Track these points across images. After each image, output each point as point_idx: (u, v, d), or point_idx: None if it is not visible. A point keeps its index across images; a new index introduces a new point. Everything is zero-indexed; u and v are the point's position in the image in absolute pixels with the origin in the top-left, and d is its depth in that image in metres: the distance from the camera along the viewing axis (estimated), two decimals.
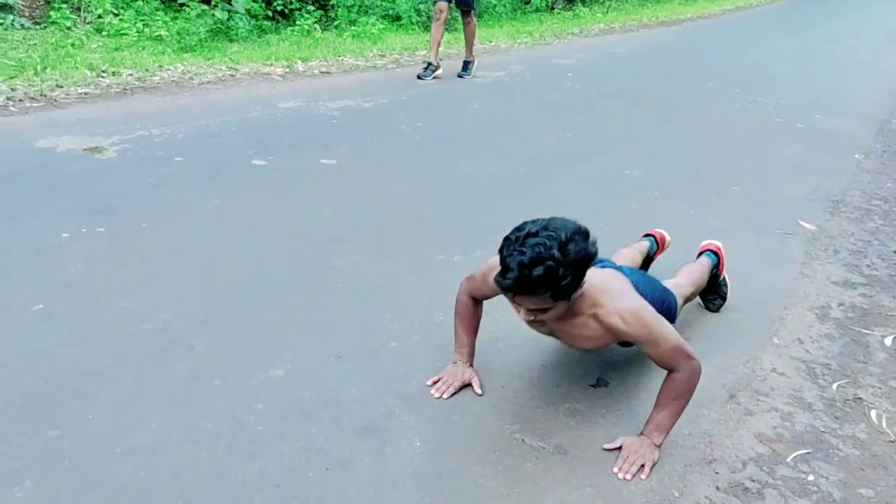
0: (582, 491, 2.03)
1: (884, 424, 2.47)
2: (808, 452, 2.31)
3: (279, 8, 9.37)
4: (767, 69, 9.56)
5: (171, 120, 4.95)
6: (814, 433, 2.41)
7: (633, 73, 8.68)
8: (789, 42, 12.18)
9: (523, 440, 2.21)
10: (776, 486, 2.14)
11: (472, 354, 2.49)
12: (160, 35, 7.52)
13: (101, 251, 3.04)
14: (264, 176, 4.14)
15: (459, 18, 8.48)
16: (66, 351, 2.39)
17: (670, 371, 2.17)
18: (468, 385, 2.41)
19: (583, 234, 1.93)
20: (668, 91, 7.69)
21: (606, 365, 2.65)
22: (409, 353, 2.59)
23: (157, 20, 7.90)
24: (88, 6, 8.09)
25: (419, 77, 7.28)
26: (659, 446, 2.18)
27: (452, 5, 7.49)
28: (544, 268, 1.81)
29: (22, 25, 7.74)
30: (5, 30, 7.19)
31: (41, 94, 5.16)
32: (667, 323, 2.17)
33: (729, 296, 3.16)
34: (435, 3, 7.34)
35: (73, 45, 6.76)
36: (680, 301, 2.72)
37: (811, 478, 2.19)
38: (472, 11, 7.47)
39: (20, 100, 4.99)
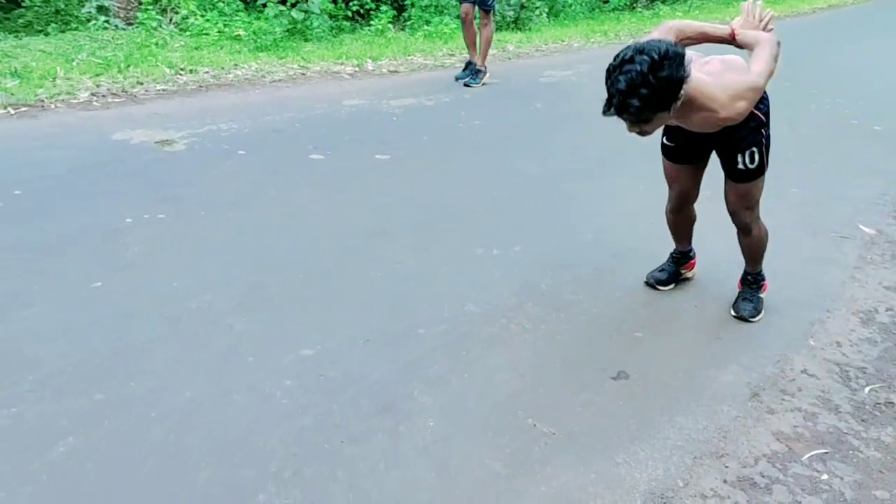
0: (586, 477, 2.09)
1: None
2: (826, 452, 2.30)
3: (355, 9, 9.62)
4: (850, 71, 9.21)
5: (239, 115, 5.19)
6: (836, 434, 2.39)
7: None
8: (879, 44, 11.67)
9: (535, 426, 2.28)
10: (786, 483, 2.15)
11: None
12: (239, 35, 7.85)
13: (160, 236, 3.26)
14: (320, 170, 4.31)
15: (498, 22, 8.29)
16: (117, 324, 2.59)
17: None
18: None
19: (673, 56, 2.14)
20: None
21: (629, 358, 2.68)
22: (435, 340, 2.69)
23: (237, 21, 8.23)
24: (175, 7, 8.52)
25: (461, 81, 6.93)
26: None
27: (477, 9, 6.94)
28: (637, 96, 2.11)
29: (116, 26, 8.23)
30: (96, 30, 7.65)
31: (122, 91, 5.50)
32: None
33: (767, 297, 3.13)
34: (460, 4, 6.90)
35: (156, 44, 7.14)
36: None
37: (825, 477, 2.19)
38: (492, 13, 7.01)
39: (103, 95, 5.33)
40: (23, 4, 8.54)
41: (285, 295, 2.91)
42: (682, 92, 2.23)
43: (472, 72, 6.98)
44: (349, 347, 2.59)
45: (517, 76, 7.73)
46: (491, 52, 9.07)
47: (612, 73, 2.19)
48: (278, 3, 8.39)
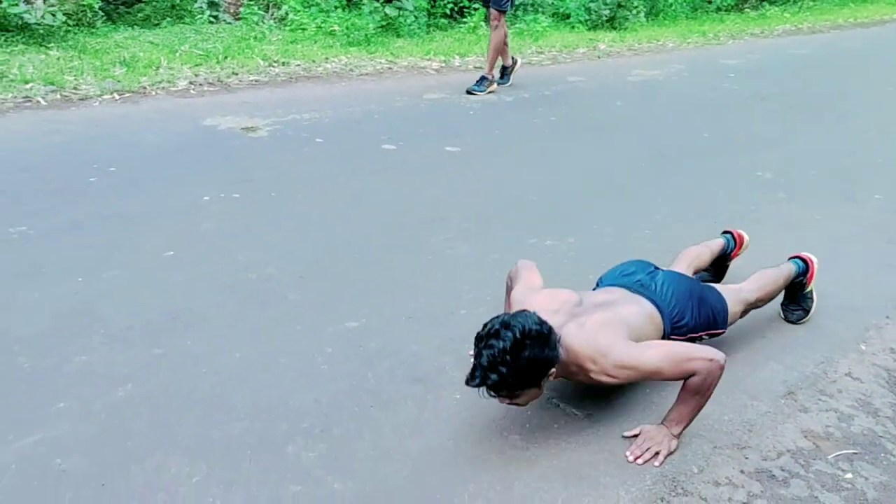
0: (599, 455, 2.16)
1: None
2: (855, 453, 2.27)
3: (450, 6, 9.79)
4: None
5: (322, 106, 5.44)
6: (869, 436, 2.35)
7: (804, 75, 8.26)
8: None
9: (558, 405, 2.36)
10: (805, 478, 2.14)
11: None
12: (334, 30, 8.16)
13: (232, 213, 3.51)
14: (390, 159, 4.49)
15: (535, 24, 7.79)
16: (182, 290, 2.83)
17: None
18: None
19: (538, 337, 1.99)
20: (836, 95, 7.26)
21: None
22: (475, 320, 2.76)
23: (334, 17, 8.56)
24: (277, 4, 8.94)
25: (497, 82, 6.53)
26: (677, 437, 2.21)
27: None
28: (498, 374, 1.95)
29: (224, 21, 8.73)
30: (202, 24, 8.13)
31: (218, 80, 5.86)
32: (665, 347, 2.23)
33: (819, 303, 3.06)
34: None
35: (255, 37, 7.53)
36: (736, 307, 2.66)
37: (848, 476, 2.17)
38: (504, 14, 6.29)
39: (200, 84, 5.70)
40: (143, 0, 9.17)
41: (340, 272, 3.08)
42: (552, 369, 2.07)
43: (499, 75, 6.58)
44: (392, 323, 2.74)
45: (604, 75, 7.72)
46: (580, 50, 9.13)
47: (478, 344, 2.03)
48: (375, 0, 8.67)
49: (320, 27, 8.34)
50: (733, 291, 2.73)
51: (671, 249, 3.52)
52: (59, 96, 5.08)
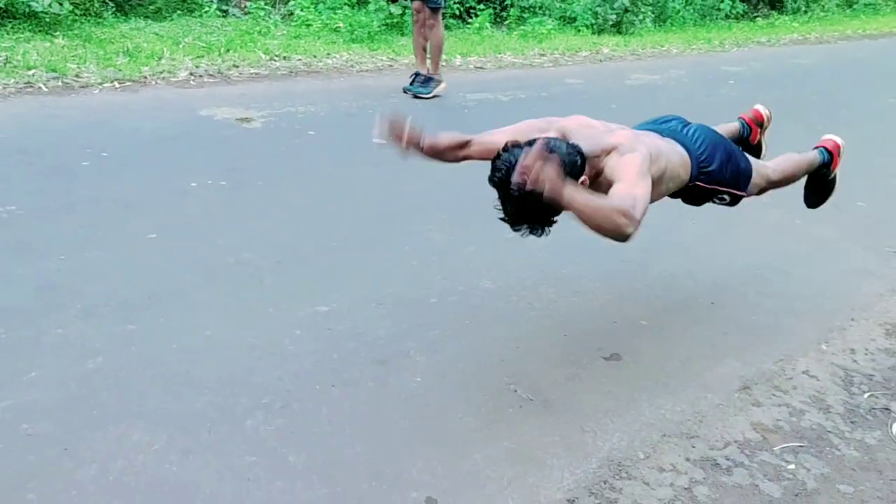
0: (550, 439, 2.23)
1: None
2: (801, 446, 2.33)
3: (455, 7, 9.87)
4: None
5: (319, 100, 5.53)
6: (818, 431, 2.41)
7: (805, 84, 8.28)
8: None
9: (516, 391, 2.43)
10: (749, 468, 2.21)
11: None
12: (338, 27, 8.25)
13: (217, 200, 3.60)
14: (380, 152, 4.54)
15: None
16: (161, 271, 2.92)
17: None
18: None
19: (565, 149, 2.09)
20: (835, 104, 7.28)
21: (627, 342, 2.77)
22: (444, 308, 2.87)
23: (340, 14, 8.64)
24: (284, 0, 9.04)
25: (405, 90, 6.01)
26: (561, 189, 1.97)
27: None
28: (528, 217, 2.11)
29: (234, 15, 8.82)
30: (209, 17, 8.23)
31: (218, 72, 5.95)
32: (647, 180, 2.18)
33: (787, 304, 3.13)
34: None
35: (259, 32, 7.63)
36: (759, 179, 2.75)
37: (791, 467, 2.23)
38: (440, 11, 5.98)
39: (200, 75, 5.79)
40: None
41: (316, 258, 3.16)
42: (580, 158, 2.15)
43: (421, 80, 6.03)
44: (362, 308, 2.81)
45: (603, 78, 7.78)
46: (583, 53, 9.18)
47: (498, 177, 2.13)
48: None
49: (326, 24, 8.43)
50: (758, 164, 2.83)
51: (647, 248, 3.59)
52: (60, 83, 5.18)
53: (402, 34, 8.75)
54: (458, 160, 2.51)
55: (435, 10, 5.93)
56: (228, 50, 6.55)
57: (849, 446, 2.35)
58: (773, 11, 14.63)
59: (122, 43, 6.38)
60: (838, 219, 4.25)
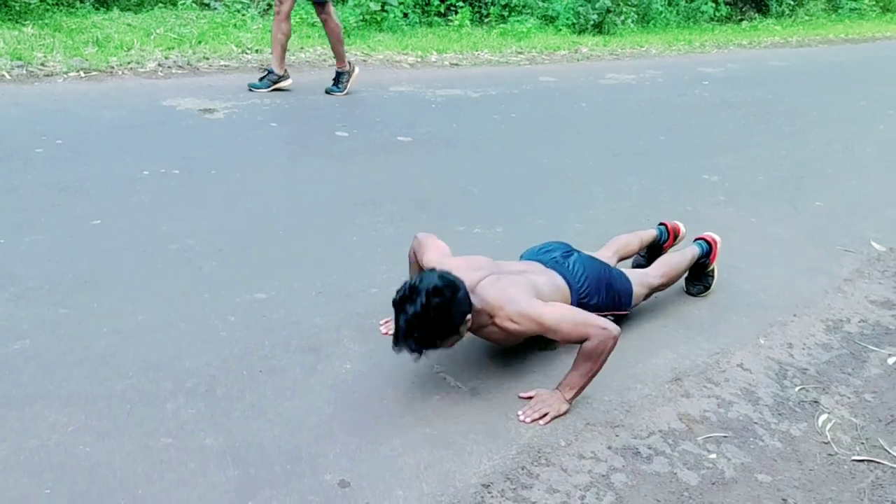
0: (472, 425, 2.23)
1: (826, 428, 2.43)
2: (725, 436, 2.34)
3: (436, 5, 9.88)
4: None
5: (285, 93, 5.52)
6: (744, 422, 2.43)
7: (779, 86, 8.32)
8: None
9: (444, 379, 2.44)
10: (669, 457, 2.22)
11: None
12: (315, 22, 8.23)
13: (167, 188, 3.59)
14: (340, 145, 4.57)
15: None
16: (101, 256, 2.91)
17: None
18: None
19: (444, 291, 2.14)
20: (806, 106, 7.33)
21: None
22: (384, 299, 2.84)
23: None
24: None
25: (250, 88, 5.54)
26: (569, 402, 2.33)
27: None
28: (417, 335, 2.13)
29: (215, 9, 8.78)
30: (185, 9, 8.20)
31: (188, 64, 5.94)
32: (567, 309, 2.38)
33: (731, 299, 3.16)
34: None
35: (234, 25, 7.62)
36: (641, 289, 2.85)
37: (712, 456, 2.24)
38: (328, 4, 5.56)
39: (168, 67, 5.78)
40: None
41: (260, 247, 3.16)
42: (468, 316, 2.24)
43: (335, 77, 5.76)
44: (300, 296, 2.81)
45: (577, 77, 7.80)
46: (560, 52, 9.19)
47: (395, 310, 2.18)
48: None
49: (304, 19, 8.42)
50: (639, 275, 2.89)
51: (598, 242, 3.61)
52: (24, 72, 5.16)
53: (380, 30, 8.76)
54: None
55: (323, 5, 5.53)
56: (200, 42, 6.54)
57: (773, 437, 2.36)
58: (758, 15, 14.71)
59: (92, 33, 6.36)
60: (794, 218, 4.29)
